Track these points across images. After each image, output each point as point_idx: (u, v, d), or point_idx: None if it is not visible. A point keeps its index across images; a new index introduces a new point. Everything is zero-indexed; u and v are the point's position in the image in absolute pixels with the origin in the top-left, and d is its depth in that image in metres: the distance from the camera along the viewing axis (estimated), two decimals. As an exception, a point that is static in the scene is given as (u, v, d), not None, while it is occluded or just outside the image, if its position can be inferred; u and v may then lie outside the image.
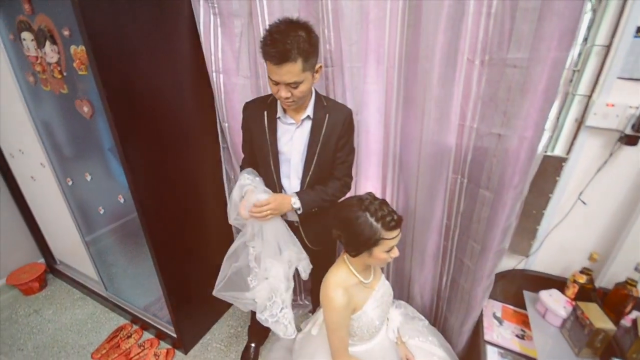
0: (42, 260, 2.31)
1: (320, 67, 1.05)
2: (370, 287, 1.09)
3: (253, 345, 1.66)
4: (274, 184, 1.20)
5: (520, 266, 1.43)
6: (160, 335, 1.80)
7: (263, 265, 1.15)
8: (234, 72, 1.45)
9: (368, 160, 1.43)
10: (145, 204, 1.34)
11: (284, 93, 1.01)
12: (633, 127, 1.07)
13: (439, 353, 1.24)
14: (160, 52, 1.29)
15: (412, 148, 1.28)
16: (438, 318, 1.57)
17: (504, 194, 1.08)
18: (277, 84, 1.00)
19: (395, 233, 0.97)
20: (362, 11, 1.17)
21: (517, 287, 1.41)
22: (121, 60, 1.16)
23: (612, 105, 1.10)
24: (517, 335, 1.27)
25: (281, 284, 1.14)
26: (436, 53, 1.07)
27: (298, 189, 1.19)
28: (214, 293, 1.19)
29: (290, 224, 1.23)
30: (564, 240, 1.33)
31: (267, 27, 0.97)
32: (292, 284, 1.18)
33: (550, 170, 1.22)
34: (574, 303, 1.24)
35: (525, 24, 0.94)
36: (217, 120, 1.61)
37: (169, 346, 1.77)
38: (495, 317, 1.36)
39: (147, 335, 1.85)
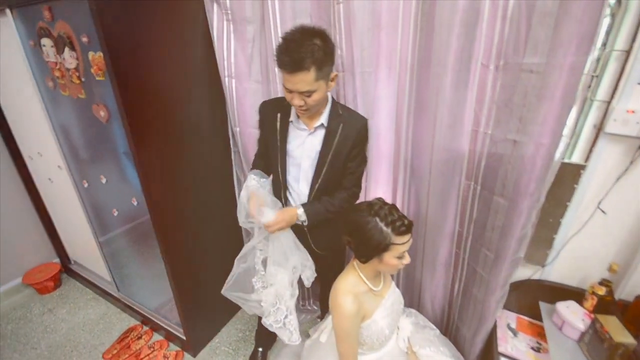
0: (57, 260, 2.36)
1: (336, 75, 1.04)
2: (380, 295, 1.08)
3: (260, 349, 1.65)
4: (279, 184, 1.22)
5: (536, 276, 1.39)
6: (170, 337, 1.82)
7: (269, 270, 1.15)
8: (245, 77, 1.46)
9: (379, 165, 1.42)
10: (158, 206, 1.36)
11: (297, 101, 1.01)
12: (655, 134, 1.03)
13: (451, 364, 1.21)
14: (175, 58, 1.31)
15: (424, 153, 1.27)
16: (449, 327, 1.54)
17: (519, 201, 1.05)
18: (290, 91, 1.00)
19: (405, 238, 0.96)
20: (374, 16, 1.17)
21: (533, 298, 1.36)
22: (137, 67, 1.18)
23: (633, 112, 1.06)
24: (532, 348, 1.23)
25: (286, 290, 1.15)
26: (449, 58, 1.06)
27: (307, 193, 1.20)
28: (223, 292, 1.20)
29: (299, 227, 1.23)
30: (582, 250, 1.29)
31: (283, 34, 0.97)
32: (296, 292, 1.18)
33: (567, 177, 1.19)
34: (592, 316, 1.19)
35: (542, 29, 0.92)
36: (229, 125, 1.63)
37: (178, 348, 1.78)
38: (509, 328, 1.32)
39: (157, 337, 1.86)
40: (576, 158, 1.21)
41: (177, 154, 1.41)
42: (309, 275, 1.20)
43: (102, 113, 1.40)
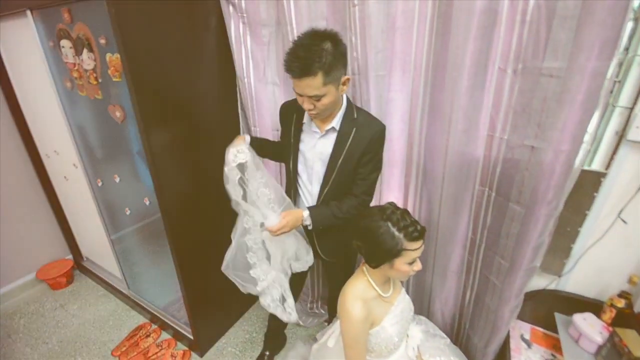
0: (70, 257, 2.41)
1: (348, 79, 1.03)
2: (389, 302, 1.06)
3: (267, 353, 1.65)
4: (289, 182, 1.24)
5: (552, 286, 1.35)
6: (178, 336, 1.83)
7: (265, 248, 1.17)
8: (263, 78, 1.48)
9: (390, 170, 1.41)
10: (170, 206, 1.37)
11: (307, 105, 1.01)
12: (681, 142, 1.00)
13: (462, 374, 1.18)
14: (190, 60, 1.33)
15: (437, 158, 1.25)
16: (460, 336, 1.51)
17: (536, 209, 1.02)
18: (300, 95, 1.00)
19: (418, 244, 0.94)
20: (389, 19, 1.16)
21: (548, 309, 1.32)
22: (153, 68, 1.20)
23: (657, 119, 1.02)
24: (547, 360, 1.20)
25: (280, 273, 1.17)
26: (465, 61, 1.04)
27: (317, 195, 1.20)
28: (223, 269, 1.19)
29: (307, 233, 1.23)
30: (600, 261, 1.24)
31: (295, 38, 0.97)
32: (289, 271, 1.21)
33: (587, 185, 1.15)
34: (611, 329, 1.15)
35: (563, 32, 0.89)
36: (242, 126, 1.64)
37: (185, 348, 1.79)
38: (523, 339, 1.28)
39: (165, 336, 1.88)
40: (596, 165, 1.17)
41: (189, 154, 1.42)
42: (302, 264, 1.21)
43: (117, 113, 1.42)
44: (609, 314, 1.19)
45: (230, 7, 1.37)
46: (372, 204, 1.47)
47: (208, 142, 1.49)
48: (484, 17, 0.99)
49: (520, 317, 1.31)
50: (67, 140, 1.73)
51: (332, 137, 1.13)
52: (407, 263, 0.94)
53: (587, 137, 0.99)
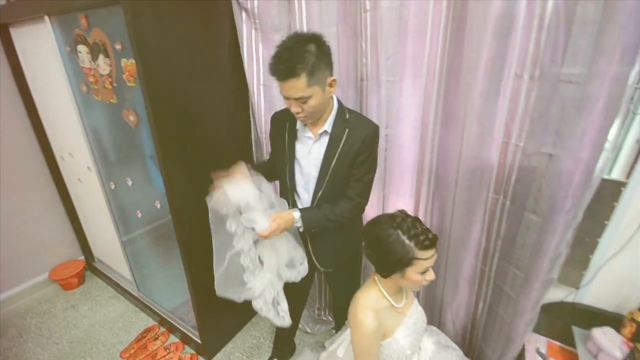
0: (82, 258, 2.44)
1: (334, 80, 1.03)
2: (402, 313, 1.03)
3: None
4: (287, 194, 1.21)
5: (570, 298, 1.30)
6: (185, 340, 1.82)
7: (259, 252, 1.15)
8: (273, 85, 1.48)
9: (401, 176, 1.39)
10: (180, 210, 1.38)
11: (294, 108, 1.01)
12: None
13: (475, 387, 1.14)
14: (202, 66, 1.34)
15: (450, 165, 1.23)
16: (472, 348, 1.46)
17: (554, 219, 0.99)
18: (287, 99, 1.01)
19: (429, 253, 0.91)
20: (401, 24, 1.15)
21: (565, 322, 1.28)
22: (167, 74, 1.22)
23: (682, 127, 0.98)
24: (564, 376, 1.15)
25: (274, 275, 1.15)
26: (480, 66, 1.03)
27: (309, 204, 1.18)
28: (218, 293, 1.17)
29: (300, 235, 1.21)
30: (620, 273, 1.20)
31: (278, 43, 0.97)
32: (283, 275, 1.18)
33: (606, 194, 1.12)
34: (631, 344, 1.11)
35: (582, 38, 0.87)
36: (252, 132, 1.64)
37: (192, 351, 1.79)
38: (539, 353, 1.24)
39: (173, 339, 1.88)
40: (616, 174, 1.13)
41: (201, 159, 1.42)
42: (295, 273, 1.17)
43: (131, 118, 1.44)
44: (629, 329, 1.14)
45: (243, 14, 1.38)
46: (380, 211, 1.47)
47: (219, 148, 1.50)
48: (500, 22, 0.97)
49: (536, 330, 1.27)
50: (82, 144, 1.76)
51: (325, 141, 1.11)
52: (419, 272, 0.92)
53: (607, 145, 0.96)
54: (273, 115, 1.22)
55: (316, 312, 1.89)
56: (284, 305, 1.17)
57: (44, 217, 2.21)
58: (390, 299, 1.00)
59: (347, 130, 1.08)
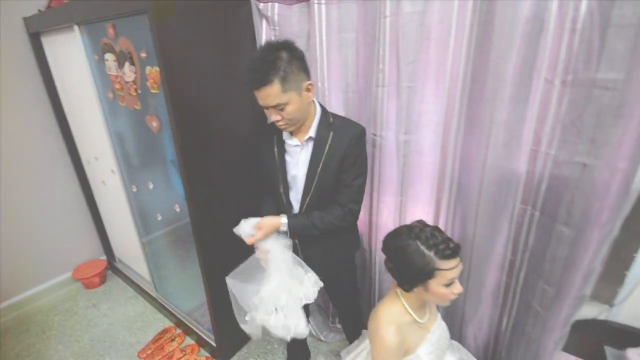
0: (104, 257, 2.52)
1: (310, 84, 1.02)
2: (425, 329, 0.99)
3: (290, 366, 1.62)
4: (284, 207, 1.19)
5: (603, 316, 1.22)
6: (201, 343, 1.84)
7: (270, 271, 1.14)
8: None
9: (420, 184, 1.35)
10: (200, 214, 1.39)
11: (274, 116, 1.01)
12: None
13: (499, 407, 1.09)
14: (223, 73, 1.36)
15: (474, 173, 1.18)
16: (495, 364, 1.40)
17: (587, 232, 0.93)
18: (266, 108, 1.01)
19: (452, 263, 0.88)
20: (424, 29, 1.13)
21: (597, 341, 1.20)
22: (189, 81, 1.24)
23: None
24: (597, 400, 1.08)
25: (282, 293, 1.12)
26: (508, 71, 0.99)
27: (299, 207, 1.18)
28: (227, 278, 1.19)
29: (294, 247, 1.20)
30: (660, 291, 1.12)
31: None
32: (292, 295, 1.14)
33: (645, 207, 1.04)
34: (673, 368, 1.02)
35: (620, 41, 0.82)
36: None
37: (208, 354, 1.80)
38: (569, 373, 1.17)
39: (189, 341, 1.90)
40: (656, 185, 1.06)
41: (221, 164, 1.44)
42: (310, 292, 1.14)
43: (154, 123, 1.47)
44: (671, 352, 1.06)
45: (264, 21, 1.40)
46: (396, 220, 1.43)
47: (239, 152, 1.51)
48: (529, 26, 0.93)
49: (566, 349, 1.20)
50: (107, 148, 1.82)
51: (311, 147, 1.11)
52: (444, 285, 0.88)
53: (646, 155, 0.90)
54: (258, 131, 1.24)
55: (330, 319, 1.87)
56: (281, 320, 1.11)
57: (69, 218, 2.29)
58: (414, 314, 0.96)
59: (331, 133, 1.07)
